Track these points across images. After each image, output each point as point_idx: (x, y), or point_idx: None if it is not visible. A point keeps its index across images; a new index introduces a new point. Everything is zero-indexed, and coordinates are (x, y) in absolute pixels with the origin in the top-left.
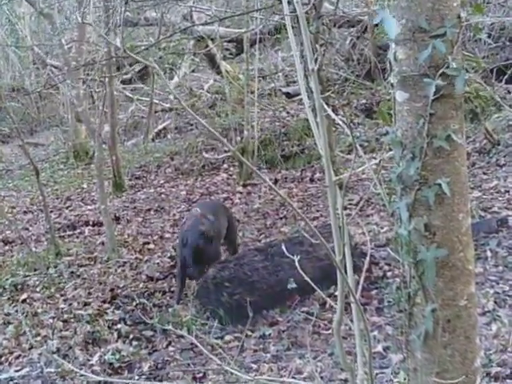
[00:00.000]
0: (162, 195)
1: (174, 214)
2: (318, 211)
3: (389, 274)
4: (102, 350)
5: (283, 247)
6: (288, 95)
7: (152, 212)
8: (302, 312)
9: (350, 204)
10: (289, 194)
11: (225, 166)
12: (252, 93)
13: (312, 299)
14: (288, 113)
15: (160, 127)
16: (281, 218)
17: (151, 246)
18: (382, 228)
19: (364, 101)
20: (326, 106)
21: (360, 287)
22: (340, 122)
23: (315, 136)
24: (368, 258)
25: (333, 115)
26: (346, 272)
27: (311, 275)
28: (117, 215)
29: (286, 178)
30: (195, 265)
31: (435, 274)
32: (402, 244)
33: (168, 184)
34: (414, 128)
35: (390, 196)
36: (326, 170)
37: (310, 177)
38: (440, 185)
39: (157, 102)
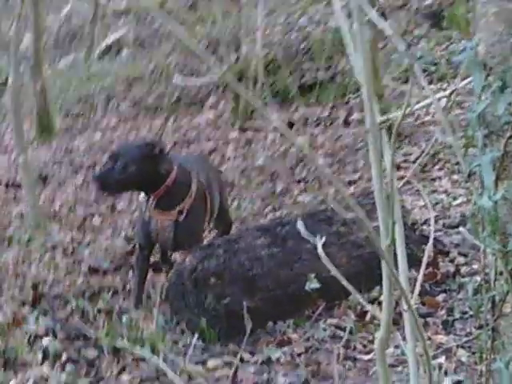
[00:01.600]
0: (114, 143)
1: None
2: (355, 171)
3: (465, 269)
4: (20, 377)
5: (299, 226)
6: None
7: (97, 168)
8: (329, 326)
9: (406, 161)
10: (312, 145)
11: (212, 99)
12: None
13: (344, 307)
14: (311, 18)
15: (111, 39)
16: (298, 182)
17: (96, 220)
18: (454, 199)
19: (430, 1)
20: (368, 8)
21: (417, 289)
22: (390, 33)
23: (350, 54)
24: (430, 244)
25: (379, 22)
26: (396, 265)
27: (344, 270)
28: (43, 173)
29: (306, 119)
30: (165, 248)
31: None
32: (484, 222)
33: (123, 126)
34: (504, 41)
35: (466, 148)
36: (366, 107)
37: (345, 118)
38: None
39: None
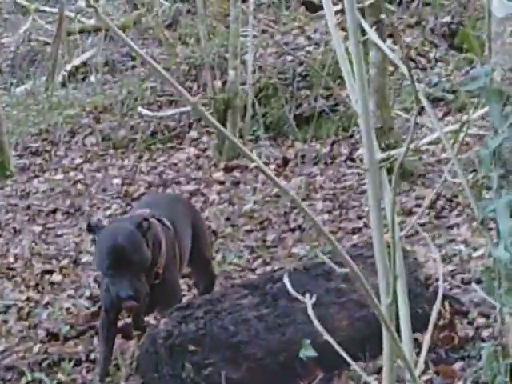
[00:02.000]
0: (79, 185)
1: (100, 220)
2: (360, 218)
3: (486, 332)
4: None
5: (285, 281)
6: (310, 5)
7: (59, 216)
8: None
9: (419, 205)
10: (309, 186)
11: (192, 133)
12: (244, 1)
13: (345, 377)
14: (309, 38)
15: (77, 61)
16: (291, 230)
17: (57, 277)
18: (475, 250)
19: (448, 18)
20: (366, 26)
21: (422, 357)
22: (391, 56)
23: (346, 79)
24: (438, 303)
25: (385, 48)
26: (397, 328)
27: (345, 334)
28: None
29: (303, 156)
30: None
31: None
32: (501, 277)
33: (89, 165)
34: None
35: (479, 191)
36: (363, 142)
37: (348, 155)
38: None
39: (71, 15)
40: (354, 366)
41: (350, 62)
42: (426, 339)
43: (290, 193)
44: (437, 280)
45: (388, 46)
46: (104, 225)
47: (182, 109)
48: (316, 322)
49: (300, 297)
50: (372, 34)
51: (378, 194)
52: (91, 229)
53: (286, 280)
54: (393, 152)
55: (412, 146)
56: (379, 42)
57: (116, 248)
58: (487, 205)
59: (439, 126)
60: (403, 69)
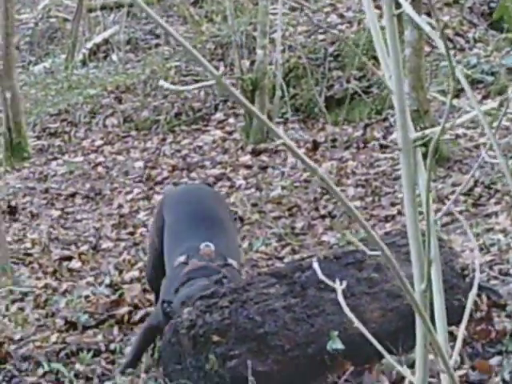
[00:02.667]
0: (99, 168)
1: (121, 206)
2: (393, 205)
3: None
4: None
5: (315, 266)
6: None
7: (79, 200)
8: None
9: (456, 192)
10: (340, 172)
11: (219, 114)
12: None
13: (377, 371)
14: (342, 16)
15: (98, 39)
16: (321, 217)
17: (75, 263)
18: None
19: None
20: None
21: (457, 348)
22: (427, 30)
23: (379, 55)
24: (474, 293)
25: (421, 22)
26: (432, 319)
27: (377, 326)
28: (11, 204)
29: (334, 139)
30: None
31: None
32: None
33: (110, 147)
34: None
35: None
36: (397, 121)
37: (381, 139)
38: None
39: None
40: (387, 356)
41: (385, 40)
42: (461, 330)
43: (318, 170)
44: (474, 271)
45: (425, 21)
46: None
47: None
48: (346, 309)
49: (329, 282)
50: (407, 8)
51: (412, 175)
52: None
53: (315, 266)
54: (427, 131)
55: (448, 125)
56: (415, 15)
57: None
58: None
59: (477, 105)
60: (440, 45)
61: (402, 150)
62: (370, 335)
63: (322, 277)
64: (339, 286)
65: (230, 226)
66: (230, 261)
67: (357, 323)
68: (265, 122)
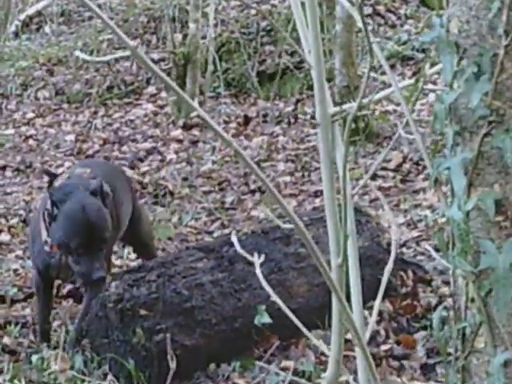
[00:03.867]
0: (30, 141)
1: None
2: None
3: (451, 301)
4: None
5: (233, 239)
6: None
7: (9, 173)
8: (283, 370)
9: (385, 169)
10: (271, 147)
11: (151, 88)
12: None
13: (303, 346)
14: None
15: (31, 11)
16: (251, 192)
17: (5, 237)
18: (442, 216)
19: None
20: None
21: (371, 323)
22: (346, 5)
23: (299, 29)
24: (390, 266)
25: None
26: (348, 292)
27: (304, 300)
28: None
29: (265, 114)
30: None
31: None
32: (454, 237)
33: (41, 120)
34: (481, 18)
35: (434, 149)
36: (316, 96)
37: (312, 114)
38: None
39: None
40: (309, 335)
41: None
42: (376, 305)
43: (232, 143)
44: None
45: None
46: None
47: (121, 54)
48: (265, 284)
49: (247, 255)
50: None
51: (329, 151)
52: (50, 175)
53: (234, 239)
54: (345, 106)
55: (366, 101)
56: None
57: (89, 227)
58: (441, 163)
59: (394, 81)
60: (358, 21)
61: (320, 125)
62: (290, 312)
63: (240, 250)
64: (257, 259)
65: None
66: (105, 185)
67: (274, 298)
68: (180, 93)
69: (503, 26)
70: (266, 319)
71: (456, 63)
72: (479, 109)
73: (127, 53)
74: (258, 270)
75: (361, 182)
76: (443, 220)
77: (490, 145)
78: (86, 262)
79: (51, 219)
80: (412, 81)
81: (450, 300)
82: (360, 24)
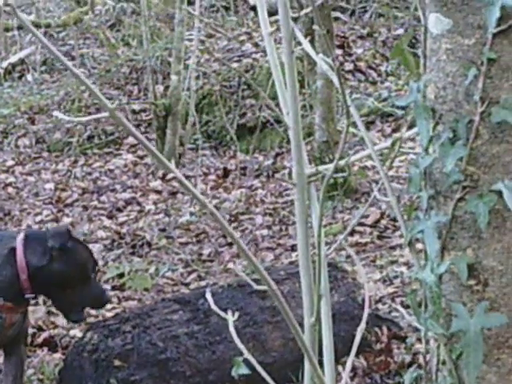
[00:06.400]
0: (9, 188)
1: (30, 227)
2: None
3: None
4: None
5: (207, 296)
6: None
7: None
8: None
9: (363, 224)
10: (250, 200)
11: (131, 138)
12: (190, 3)
13: None
14: (257, 45)
15: (14, 59)
16: (228, 244)
17: None
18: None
19: (401, 31)
20: (300, 36)
21: (344, 381)
22: (323, 67)
23: (278, 90)
24: (363, 326)
25: (318, 60)
26: (320, 349)
27: (278, 355)
28: None
29: (244, 168)
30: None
31: (482, 358)
32: (426, 299)
33: (21, 168)
34: (458, 85)
35: (409, 210)
36: (293, 155)
37: (291, 168)
38: (500, 193)
39: (8, 9)
40: None
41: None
42: (349, 363)
43: (207, 204)
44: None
45: (322, 58)
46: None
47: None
48: (237, 341)
49: (220, 312)
50: (305, 44)
51: (305, 210)
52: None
53: (208, 295)
54: (321, 168)
55: (343, 162)
56: (311, 51)
57: (93, 256)
58: (415, 225)
59: (370, 142)
60: (336, 82)
61: (296, 185)
62: (256, 364)
63: (214, 307)
64: (231, 317)
65: None
66: None
67: (246, 354)
68: (157, 156)
69: (479, 92)
70: (244, 370)
71: (432, 128)
72: (454, 174)
73: (105, 114)
74: (231, 327)
75: (337, 240)
76: (416, 281)
77: (463, 209)
78: (99, 285)
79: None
80: (388, 143)
81: (422, 359)
82: (339, 86)
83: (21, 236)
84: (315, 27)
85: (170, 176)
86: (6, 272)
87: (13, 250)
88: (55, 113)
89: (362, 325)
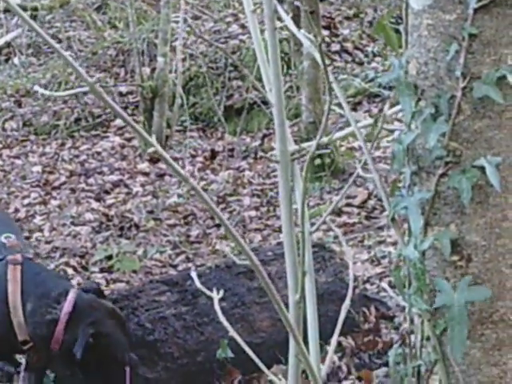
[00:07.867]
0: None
1: (18, 210)
2: None
3: (413, 338)
4: None
5: (193, 275)
6: None
7: None
8: None
9: (350, 205)
10: (237, 181)
11: (119, 121)
12: None
13: (264, 380)
14: (243, 27)
15: (0, 42)
16: (217, 226)
17: None
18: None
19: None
20: (283, 13)
21: (327, 362)
22: (306, 44)
23: (261, 67)
24: (347, 304)
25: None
26: (305, 330)
27: (267, 335)
28: None
29: (231, 149)
30: None
31: (467, 333)
32: (410, 276)
33: (8, 151)
34: (439, 60)
35: (393, 188)
36: (277, 134)
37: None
38: (483, 168)
39: None
40: (266, 371)
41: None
42: (333, 342)
43: (189, 180)
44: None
45: (304, 34)
46: None
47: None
48: (223, 320)
49: (206, 291)
50: (288, 22)
51: (289, 188)
52: None
53: (193, 275)
54: (304, 145)
55: (325, 139)
56: (295, 29)
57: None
58: (399, 202)
59: (353, 121)
60: (318, 59)
61: (280, 163)
62: (245, 345)
63: (199, 286)
64: (216, 295)
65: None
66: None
67: (232, 332)
68: (140, 131)
69: (461, 68)
70: (228, 353)
71: (414, 104)
72: (436, 149)
73: (85, 89)
74: (216, 306)
75: (319, 221)
76: (400, 258)
77: (446, 185)
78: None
79: None
80: (371, 121)
81: (412, 336)
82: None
83: (68, 303)
84: (297, 3)
85: (158, 155)
86: (42, 332)
87: (54, 321)
88: (36, 87)
89: (347, 302)
